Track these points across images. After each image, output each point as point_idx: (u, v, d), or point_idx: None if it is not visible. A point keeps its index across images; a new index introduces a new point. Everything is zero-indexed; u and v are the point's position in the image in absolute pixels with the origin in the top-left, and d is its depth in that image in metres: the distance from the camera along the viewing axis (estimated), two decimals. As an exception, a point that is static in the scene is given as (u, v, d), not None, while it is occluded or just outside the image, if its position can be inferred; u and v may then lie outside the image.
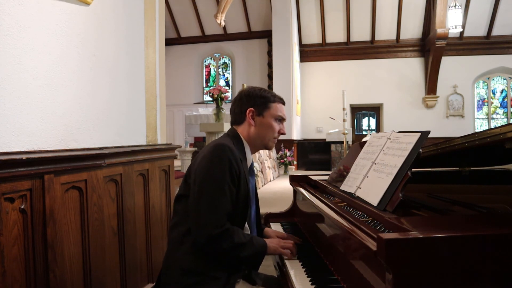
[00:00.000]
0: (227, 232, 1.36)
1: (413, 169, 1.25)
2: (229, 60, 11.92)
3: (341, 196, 1.57)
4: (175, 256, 1.42)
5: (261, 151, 6.95)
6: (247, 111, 1.54)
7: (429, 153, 1.44)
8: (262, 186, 6.41)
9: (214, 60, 12.04)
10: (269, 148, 1.62)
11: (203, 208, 1.35)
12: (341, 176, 1.73)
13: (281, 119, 1.58)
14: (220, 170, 1.37)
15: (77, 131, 1.97)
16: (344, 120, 7.00)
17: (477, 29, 10.01)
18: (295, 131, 9.90)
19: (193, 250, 1.39)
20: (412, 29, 10.39)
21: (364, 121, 11.20)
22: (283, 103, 1.61)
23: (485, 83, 10.68)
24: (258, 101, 1.54)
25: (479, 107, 10.72)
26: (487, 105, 10.69)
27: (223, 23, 8.18)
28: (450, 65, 10.15)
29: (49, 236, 1.62)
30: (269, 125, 1.54)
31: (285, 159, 8.68)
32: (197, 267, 1.37)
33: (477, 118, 10.66)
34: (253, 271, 1.54)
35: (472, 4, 9.61)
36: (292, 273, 1.33)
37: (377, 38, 10.68)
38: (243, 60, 11.44)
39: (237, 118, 1.57)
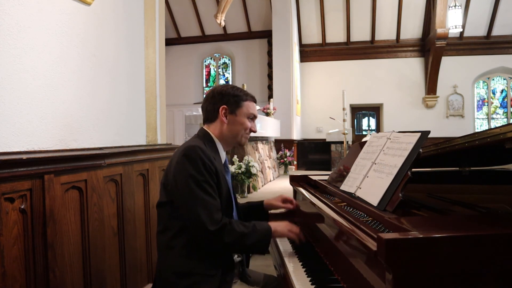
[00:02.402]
0: (225, 226, 1.37)
1: (413, 169, 1.25)
2: (229, 60, 11.91)
3: (341, 196, 1.57)
4: (167, 261, 1.43)
5: (261, 150, 6.96)
6: (220, 109, 1.55)
7: (429, 153, 1.44)
8: (262, 186, 6.40)
9: (214, 60, 12.04)
10: (242, 144, 1.65)
11: (193, 210, 1.36)
12: (341, 176, 1.73)
13: (253, 117, 1.61)
14: (196, 170, 1.38)
15: (77, 131, 1.97)
16: (344, 120, 7.00)
17: (477, 29, 10.01)
18: (295, 131, 9.90)
19: (185, 252, 1.40)
20: (412, 29, 10.39)
21: (364, 121, 11.21)
22: (255, 101, 1.64)
23: (485, 83, 10.68)
24: (231, 99, 1.55)
25: (479, 107, 10.72)
26: (487, 105, 10.69)
27: (223, 23, 8.18)
28: (450, 65, 10.15)
29: (49, 236, 1.62)
30: (241, 122, 1.56)
31: (285, 159, 8.68)
32: (190, 269, 1.38)
33: (477, 118, 10.66)
34: (248, 270, 1.55)
35: (472, 4, 9.61)
36: (292, 273, 1.33)
37: (377, 38, 10.68)
38: (243, 60, 11.43)
39: (210, 116, 1.58)
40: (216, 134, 1.57)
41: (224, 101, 1.55)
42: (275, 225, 1.48)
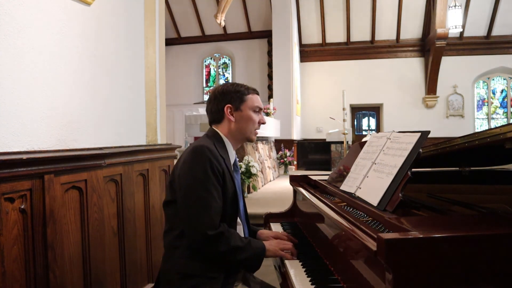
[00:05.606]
0: (222, 235, 1.37)
1: (413, 169, 1.25)
2: (229, 60, 11.91)
3: (341, 196, 1.57)
4: (172, 260, 1.43)
5: (261, 150, 6.95)
6: (225, 108, 1.54)
7: (429, 153, 1.44)
8: (262, 186, 6.40)
9: (214, 60, 12.03)
10: (251, 140, 1.63)
11: (194, 211, 1.36)
12: (341, 176, 1.72)
13: (259, 110, 1.60)
14: (202, 172, 1.38)
15: (77, 131, 1.97)
16: (344, 120, 7.00)
17: (477, 29, 10.01)
18: (295, 131, 9.90)
19: (188, 253, 1.40)
20: (412, 29, 10.39)
21: (364, 121, 11.20)
22: (257, 94, 1.63)
23: (485, 83, 10.68)
24: (234, 96, 1.54)
25: (479, 107, 10.72)
26: (487, 105, 10.69)
27: (223, 23, 8.18)
28: (450, 65, 10.15)
29: (49, 236, 1.62)
30: (248, 117, 1.55)
31: (285, 159, 8.68)
32: (194, 270, 1.38)
33: (477, 118, 10.66)
34: (249, 275, 1.54)
35: (472, 4, 9.61)
36: (292, 273, 1.33)
37: (377, 38, 10.68)
38: (243, 60, 11.43)
39: (215, 117, 1.58)
40: (225, 133, 1.56)
41: (227, 99, 1.54)
42: (268, 244, 1.47)
